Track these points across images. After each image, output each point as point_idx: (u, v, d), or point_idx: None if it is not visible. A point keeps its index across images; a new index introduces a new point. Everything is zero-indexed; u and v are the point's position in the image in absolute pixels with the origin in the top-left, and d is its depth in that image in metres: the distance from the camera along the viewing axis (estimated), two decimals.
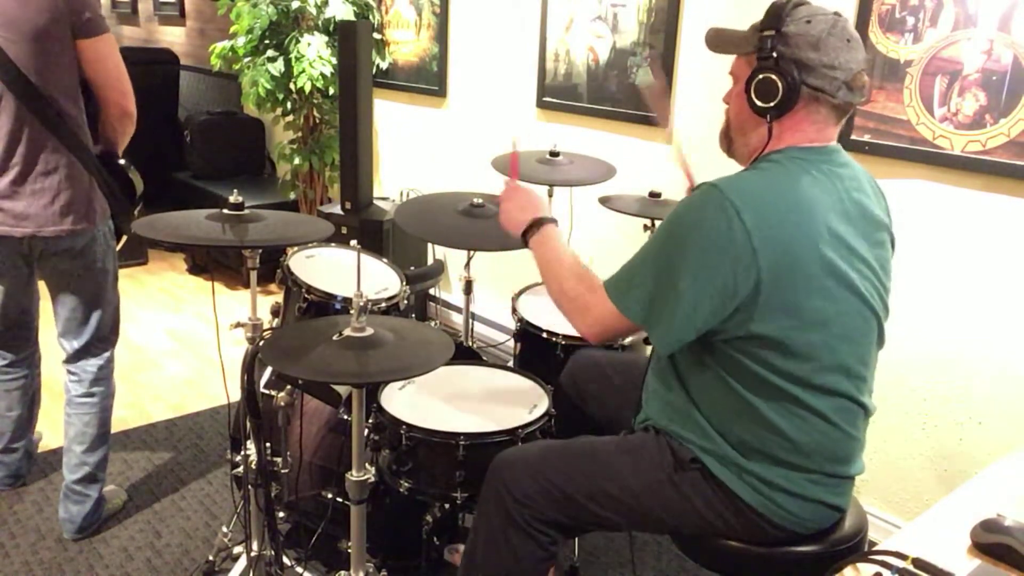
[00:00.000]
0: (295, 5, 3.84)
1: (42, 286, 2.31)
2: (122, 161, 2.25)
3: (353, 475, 1.62)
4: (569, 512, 1.54)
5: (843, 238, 1.38)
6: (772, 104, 1.38)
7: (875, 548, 1.12)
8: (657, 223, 2.50)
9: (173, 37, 6.21)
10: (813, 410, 1.41)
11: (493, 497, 1.57)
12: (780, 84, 1.37)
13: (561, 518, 1.54)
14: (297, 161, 4.15)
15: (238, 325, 1.89)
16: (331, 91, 3.98)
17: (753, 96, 1.40)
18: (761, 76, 1.38)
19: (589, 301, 1.52)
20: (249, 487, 1.96)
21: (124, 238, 2.34)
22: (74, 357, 2.30)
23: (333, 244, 2.44)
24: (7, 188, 2.05)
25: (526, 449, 1.65)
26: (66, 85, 2.07)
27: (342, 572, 1.75)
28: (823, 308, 1.36)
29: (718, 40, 1.52)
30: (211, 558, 2.22)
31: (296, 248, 2.35)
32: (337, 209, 3.73)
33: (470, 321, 2.61)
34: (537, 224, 1.67)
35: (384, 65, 4.01)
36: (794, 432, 1.41)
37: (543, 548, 1.55)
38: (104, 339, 2.32)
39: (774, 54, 1.37)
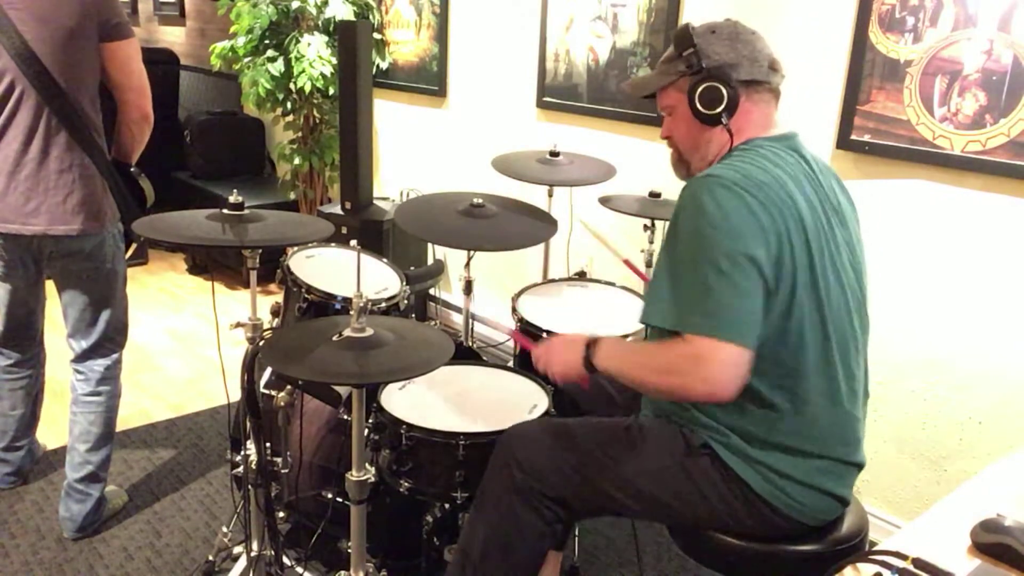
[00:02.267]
0: (295, 5, 3.84)
1: (50, 286, 2.31)
2: (134, 169, 2.26)
3: (353, 475, 1.62)
4: (577, 490, 1.54)
5: (819, 214, 1.43)
6: (722, 107, 1.46)
7: (875, 548, 1.12)
8: (657, 223, 2.50)
9: (173, 37, 6.20)
10: (814, 388, 1.42)
11: (502, 467, 1.58)
12: (722, 87, 1.46)
13: (568, 496, 1.55)
14: (297, 161, 4.15)
15: (238, 325, 1.89)
16: (331, 91, 3.97)
17: (700, 108, 1.48)
18: (702, 88, 1.47)
19: (680, 359, 1.36)
20: (249, 487, 1.96)
21: (134, 245, 2.35)
22: (82, 357, 2.30)
23: (333, 244, 2.44)
24: (20, 183, 2.06)
25: (538, 423, 1.66)
26: (87, 86, 2.08)
27: (342, 572, 1.75)
28: (808, 281, 1.39)
29: (640, 86, 1.61)
30: (211, 558, 2.22)
31: (296, 248, 2.35)
32: (337, 209, 3.73)
33: (470, 321, 2.61)
34: (590, 347, 1.54)
35: (384, 65, 4.01)
36: (798, 416, 1.42)
37: (547, 524, 1.56)
38: (112, 340, 2.33)
39: (703, 64, 1.47)
